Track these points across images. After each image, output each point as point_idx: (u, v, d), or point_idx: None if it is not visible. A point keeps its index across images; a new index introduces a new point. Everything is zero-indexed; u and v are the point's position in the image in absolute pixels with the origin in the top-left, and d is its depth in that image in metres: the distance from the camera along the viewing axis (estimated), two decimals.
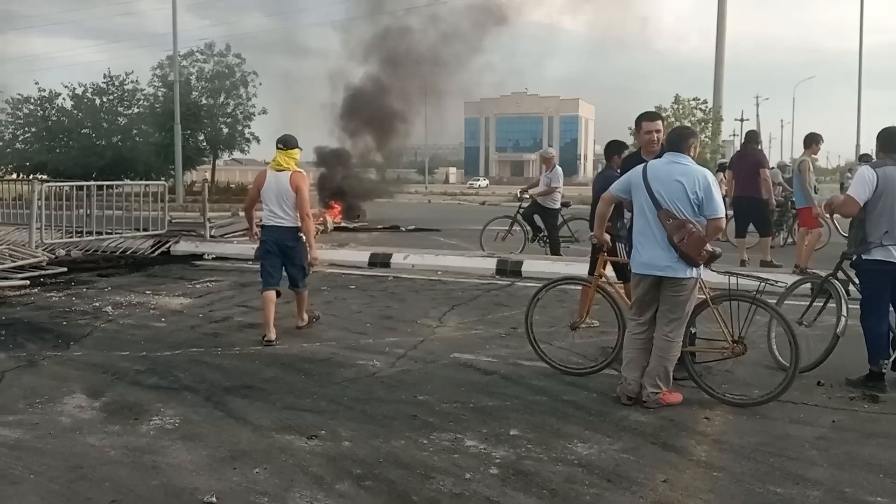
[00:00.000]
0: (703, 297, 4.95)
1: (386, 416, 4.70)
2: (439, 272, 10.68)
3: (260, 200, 6.92)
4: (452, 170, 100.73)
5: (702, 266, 4.77)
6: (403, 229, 18.51)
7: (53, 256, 10.99)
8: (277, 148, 6.85)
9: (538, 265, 10.36)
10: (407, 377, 5.58)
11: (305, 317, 7.18)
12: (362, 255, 11.66)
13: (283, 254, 6.82)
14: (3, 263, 9.94)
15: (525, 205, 12.42)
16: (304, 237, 6.87)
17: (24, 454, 4.04)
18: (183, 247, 12.62)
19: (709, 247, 4.68)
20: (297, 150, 6.92)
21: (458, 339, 6.82)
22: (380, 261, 11.26)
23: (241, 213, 17.89)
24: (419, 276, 10.48)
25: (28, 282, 9.34)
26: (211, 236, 13.35)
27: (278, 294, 6.83)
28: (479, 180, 78.90)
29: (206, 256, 12.22)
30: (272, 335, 6.54)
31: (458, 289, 9.45)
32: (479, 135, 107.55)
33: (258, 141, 40.00)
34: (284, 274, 6.92)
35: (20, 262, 10.12)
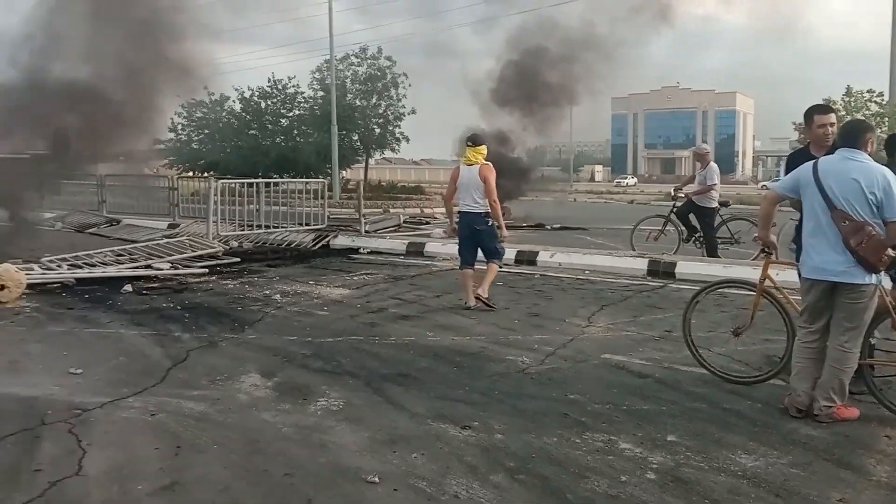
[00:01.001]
0: (886, 304, 4.55)
1: (537, 413, 4.72)
2: (587, 271, 10.53)
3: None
4: (598, 167, 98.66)
5: (882, 272, 4.39)
6: (549, 227, 18.40)
7: (228, 247, 11.99)
8: (467, 145, 7.91)
9: (693, 267, 9.93)
10: (557, 375, 5.57)
11: (486, 289, 7.91)
12: (508, 252, 11.71)
13: (474, 236, 7.93)
14: (185, 252, 10.99)
15: (679, 203, 11.95)
16: (492, 221, 7.87)
17: (208, 426, 4.46)
18: (341, 241, 13.31)
19: (890, 251, 4.29)
20: (483, 146, 7.92)
21: (608, 339, 6.70)
22: (526, 258, 11.27)
23: (392, 210, 18.55)
24: (566, 274, 10.38)
25: (207, 270, 10.25)
26: (365, 232, 13.99)
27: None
28: (626, 178, 76.66)
29: (361, 250, 12.80)
30: (471, 302, 7.84)
31: (608, 289, 9.27)
32: (627, 131, 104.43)
33: (407, 140, 41.37)
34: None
35: (199, 252, 11.14)
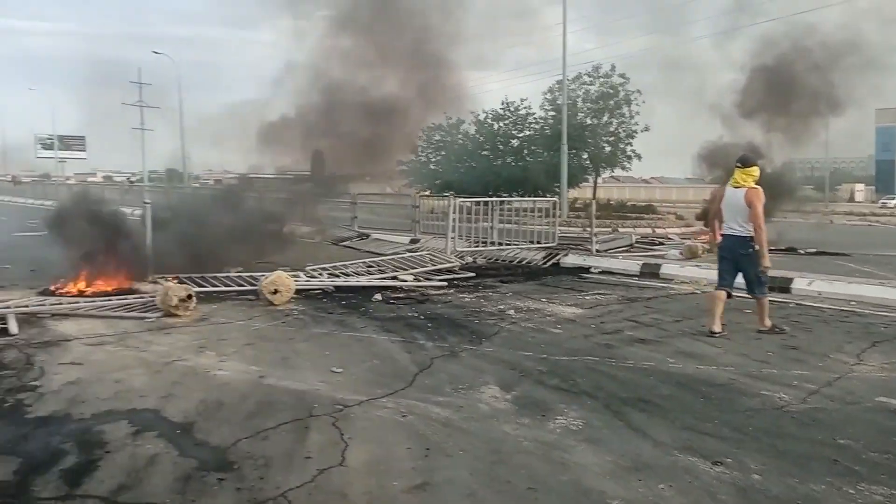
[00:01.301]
0: None
1: (800, 456, 4.27)
2: (852, 302, 9.38)
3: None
4: (859, 186, 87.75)
5: None
6: (802, 252, 16.71)
7: (463, 262, 12.50)
8: (736, 166, 7.53)
9: None
10: (822, 416, 5.00)
11: (768, 322, 7.60)
12: None
13: (735, 260, 7.56)
14: (426, 266, 11.65)
15: None
16: (757, 247, 7.38)
17: (453, 432, 4.64)
18: (571, 259, 13.26)
19: None
20: (755, 168, 7.50)
21: (884, 380, 5.89)
22: (778, 285, 10.32)
23: (621, 230, 18.05)
24: (827, 304, 9.34)
25: (446, 283, 10.77)
26: (596, 251, 13.79)
27: (729, 296, 7.60)
28: (894, 198, 67.30)
29: (592, 270, 12.63)
30: (716, 328, 7.44)
31: (880, 323, 8.17)
32: (894, 146, 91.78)
33: (639, 158, 40.18)
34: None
35: (439, 266, 11.75)
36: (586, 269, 12.70)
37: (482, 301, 9.55)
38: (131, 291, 9.24)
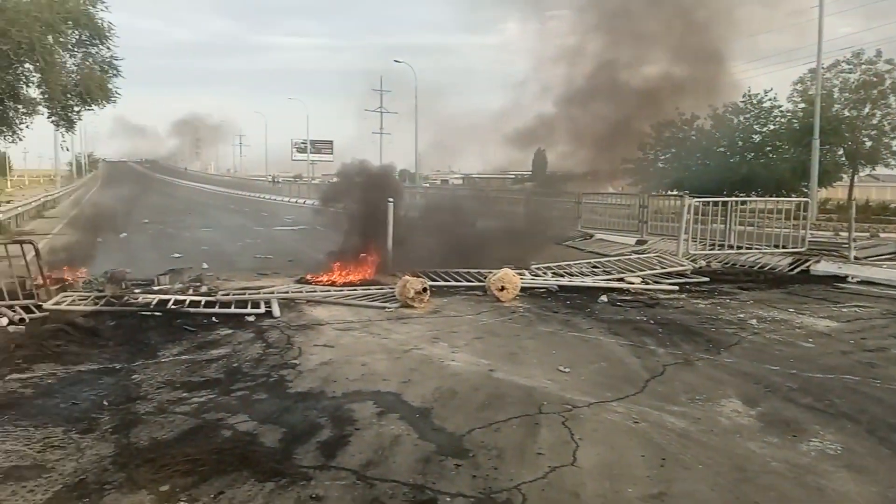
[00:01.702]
0: None
1: None
2: None
3: None
4: None
5: None
6: None
7: (696, 266, 11.81)
8: None
9: None
10: None
11: None
12: None
13: None
14: (654, 269, 11.19)
15: None
16: None
17: (690, 444, 4.40)
18: (823, 267, 11.92)
19: None
20: None
21: None
22: None
23: (882, 235, 15.90)
24: None
25: (677, 287, 10.25)
26: (855, 258, 12.28)
27: None
28: None
29: (849, 279, 11.26)
30: None
31: None
32: None
33: None
34: None
35: (668, 269, 11.22)
36: (842, 279, 11.35)
37: (718, 308, 8.94)
38: (374, 283, 10.00)
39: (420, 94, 51.54)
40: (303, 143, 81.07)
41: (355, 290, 9.56)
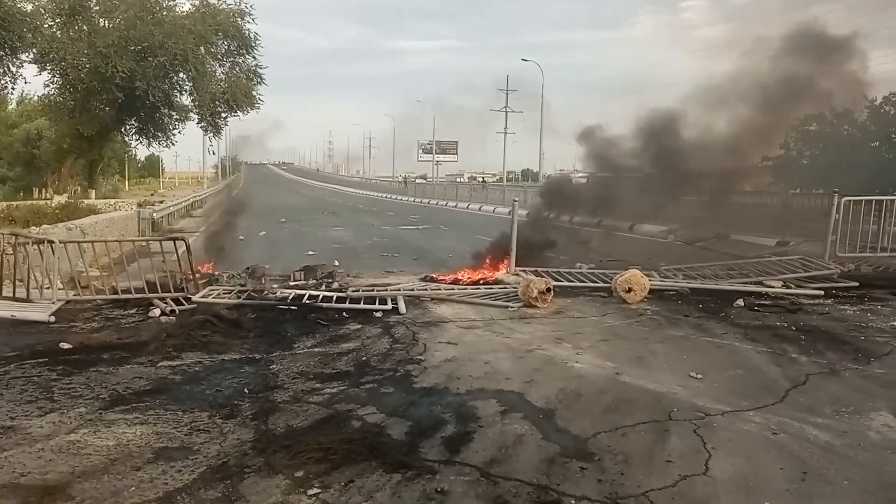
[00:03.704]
0: None
1: None
2: None
3: None
4: None
5: None
6: None
7: (844, 269, 10.95)
8: None
9: None
10: None
11: None
12: None
13: None
14: (797, 272, 10.47)
15: None
16: None
17: (835, 458, 4.09)
18: None
19: None
20: None
21: None
22: None
23: None
24: None
25: (821, 292, 9.55)
26: None
27: None
28: None
29: None
30: None
31: None
32: None
33: None
34: None
35: (813, 273, 10.46)
36: None
37: (869, 315, 8.24)
38: (496, 282, 10.03)
39: (549, 92, 51.02)
40: (429, 143, 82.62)
41: (478, 288, 9.63)
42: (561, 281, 9.72)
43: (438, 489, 3.61)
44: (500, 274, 10.31)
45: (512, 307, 8.51)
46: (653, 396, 5.22)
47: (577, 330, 7.44)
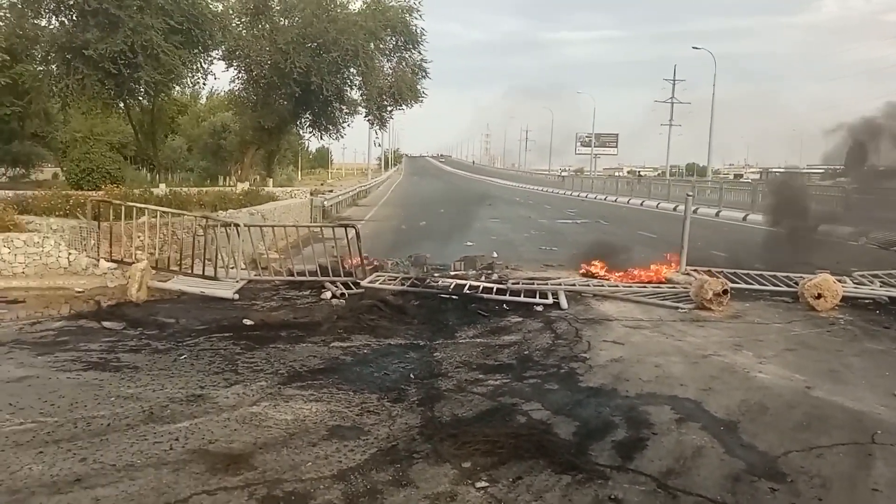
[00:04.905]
0: None
1: None
2: None
3: None
4: None
5: None
6: None
7: None
8: None
9: None
10: None
11: None
12: None
13: None
14: None
15: None
16: None
17: None
18: None
19: None
20: None
21: None
22: None
23: None
24: None
25: None
26: None
27: None
28: None
29: None
30: None
31: None
32: None
33: None
34: None
35: None
36: None
37: None
38: (666, 281, 9.52)
39: (725, 82, 47.90)
40: (587, 136, 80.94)
41: (644, 286, 9.19)
42: (738, 283, 9.04)
43: (612, 496, 3.40)
44: (670, 272, 9.78)
45: (683, 308, 8.03)
46: (851, 415, 4.67)
47: (758, 337, 6.86)
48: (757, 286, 9.10)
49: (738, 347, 6.41)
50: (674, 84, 60.67)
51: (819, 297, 8.03)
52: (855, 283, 9.04)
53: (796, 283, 8.61)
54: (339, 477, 3.50)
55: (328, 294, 8.32)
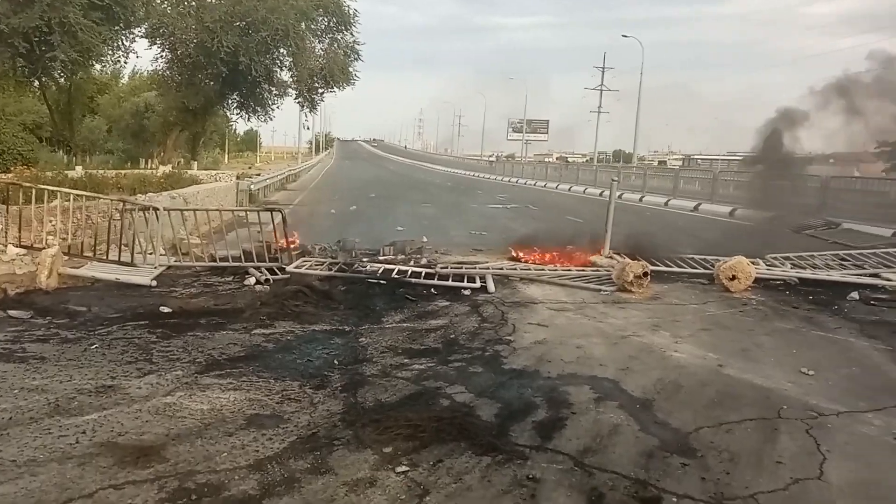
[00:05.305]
0: None
1: None
2: None
3: None
4: None
5: None
6: None
7: None
8: None
9: None
10: None
11: None
12: None
13: None
14: None
15: None
16: None
17: None
18: None
19: None
20: None
21: None
22: None
23: None
24: None
25: None
26: None
27: None
28: None
29: None
30: None
31: None
32: None
33: None
34: None
35: None
36: None
37: None
38: (590, 264, 9.71)
39: (645, 71, 49.12)
40: (519, 122, 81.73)
41: (569, 270, 9.35)
42: (658, 265, 9.31)
43: (530, 476, 3.45)
44: (594, 256, 9.99)
45: (605, 291, 8.22)
46: (760, 392, 4.87)
47: (675, 317, 7.08)
48: (676, 269, 9.40)
49: (657, 328, 6.61)
50: (603, 72, 61.91)
51: (733, 278, 8.36)
52: (767, 266, 9.46)
53: (712, 266, 8.92)
54: (256, 466, 3.42)
55: (252, 280, 8.14)
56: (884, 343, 6.24)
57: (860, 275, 9.22)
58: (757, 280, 8.67)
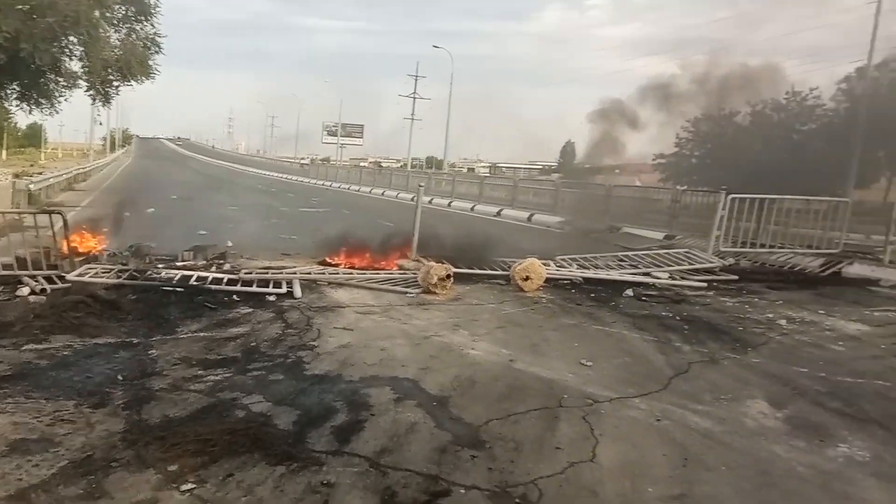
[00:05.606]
0: None
1: None
2: None
3: None
4: None
5: None
6: None
7: (725, 263, 11.55)
8: None
9: None
10: None
11: None
12: None
13: None
14: (682, 265, 10.95)
15: None
16: None
17: (714, 444, 4.26)
18: (856, 270, 11.60)
19: None
20: None
21: None
22: None
23: None
24: None
25: (704, 284, 10.02)
26: (890, 262, 11.93)
27: None
28: None
29: (882, 283, 10.94)
30: None
31: None
32: None
33: None
34: None
35: (697, 266, 10.97)
36: (874, 282, 11.04)
37: (746, 307, 8.72)
38: (398, 268, 9.89)
39: (455, 81, 50.94)
40: (334, 126, 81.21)
41: (378, 273, 9.48)
42: (461, 268, 9.70)
43: (324, 482, 3.46)
44: (401, 260, 10.20)
45: (411, 293, 8.42)
46: (545, 383, 5.26)
47: (474, 317, 7.44)
48: (477, 270, 9.86)
49: (457, 327, 6.90)
50: (416, 80, 63.40)
51: (527, 279, 8.95)
52: (557, 266, 10.23)
53: (510, 267, 9.48)
54: (18, 497, 3.11)
55: (25, 290, 7.34)
56: (651, 334, 6.99)
57: (635, 274, 10.27)
58: (548, 280, 9.34)
